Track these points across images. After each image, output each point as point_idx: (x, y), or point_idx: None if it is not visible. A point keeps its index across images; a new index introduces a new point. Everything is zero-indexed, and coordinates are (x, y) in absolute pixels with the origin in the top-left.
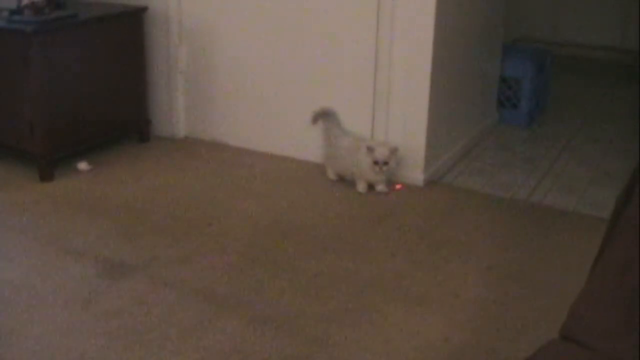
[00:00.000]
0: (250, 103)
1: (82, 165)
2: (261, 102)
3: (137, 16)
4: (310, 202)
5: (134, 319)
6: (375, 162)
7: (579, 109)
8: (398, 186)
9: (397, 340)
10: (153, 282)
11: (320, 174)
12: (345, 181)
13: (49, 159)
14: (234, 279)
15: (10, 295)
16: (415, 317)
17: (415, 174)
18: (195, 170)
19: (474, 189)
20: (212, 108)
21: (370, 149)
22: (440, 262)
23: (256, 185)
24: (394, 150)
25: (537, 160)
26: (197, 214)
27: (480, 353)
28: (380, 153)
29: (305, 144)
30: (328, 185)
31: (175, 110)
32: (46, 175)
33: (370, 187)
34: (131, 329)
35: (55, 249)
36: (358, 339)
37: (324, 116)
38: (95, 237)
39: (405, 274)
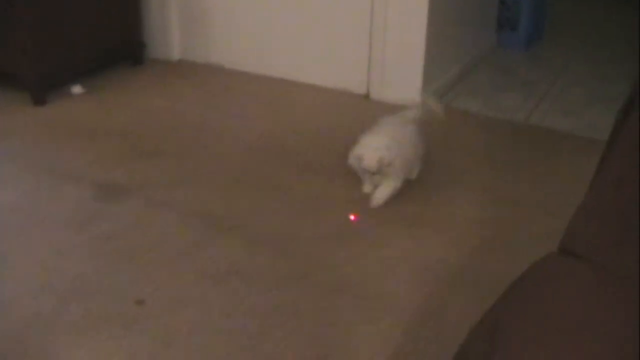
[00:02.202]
0: (246, 25)
1: (76, 89)
2: (258, 23)
3: None
4: (305, 125)
5: (130, 241)
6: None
7: (577, 31)
8: (352, 217)
9: (393, 261)
10: (148, 205)
11: (316, 96)
12: (338, 105)
13: (42, 83)
14: (229, 201)
15: (4, 219)
16: (410, 239)
17: (413, 95)
18: (190, 93)
19: (472, 111)
20: (208, 30)
21: (359, 158)
22: (436, 183)
23: (251, 109)
24: (381, 160)
25: (536, 83)
26: (192, 137)
27: (476, 273)
28: (368, 164)
29: (303, 66)
30: (323, 108)
31: (170, 32)
32: (39, 100)
33: None
34: (127, 251)
35: (49, 173)
36: (354, 259)
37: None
38: (90, 160)
39: (400, 195)
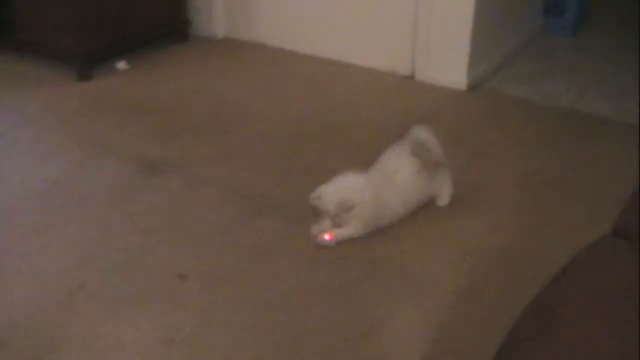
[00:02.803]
0: (291, 3)
1: (121, 65)
2: (303, 1)
3: None
4: (349, 105)
5: (172, 216)
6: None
7: (623, 17)
8: (327, 237)
9: (438, 243)
10: (190, 181)
11: (359, 76)
12: (382, 86)
13: (88, 58)
14: (270, 179)
15: (48, 192)
16: (455, 221)
17: (458, 77)
18: (234, 71)
19: (516, 96)
20: (252, 8)
21: (317, 197)
22: (480, 166)
23: (294, 88)
24: (341, 204)
25: (581, 69)
26: (235, 114)
27: (521, 257)
28: (325, 205)
29: (348, 46)
30: (367, 89)
31: (214, 9)
32: (84, 75)
33: None
34: (168, 226)
35: (93, 147)
36: (396, 241)
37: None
38: (133, 136)
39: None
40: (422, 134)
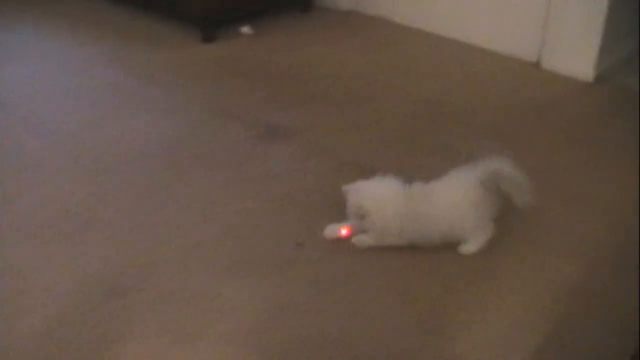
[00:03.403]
0: None
1: (245, 29)
2: None
3: None
4: (469, 88)
5: (288, 184)
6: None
7: None
8: (345, 231)
9: (554, 234)
10: (309, 149)
11: (484, 59)
12: (506, 71)
13: (212, 21)
14: (387, 154)
15: (166, 150)
16: (574, 215)
17: (585, 68)
18: (356, 44)
19: None
20: None
21: (346, 191)
22: (598, 162)
23: (415, 66)
24: (359, 208)
25: None
26: (355, 87)
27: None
28: (348, 205)
29: (473, 28)
30: (490, 73)
31: None
32: (208, 37)
33: None
34: (285, 193)
35: (212, 109)
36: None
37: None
38: (253, 100)
39: (561, 170)
40: (502, 164)
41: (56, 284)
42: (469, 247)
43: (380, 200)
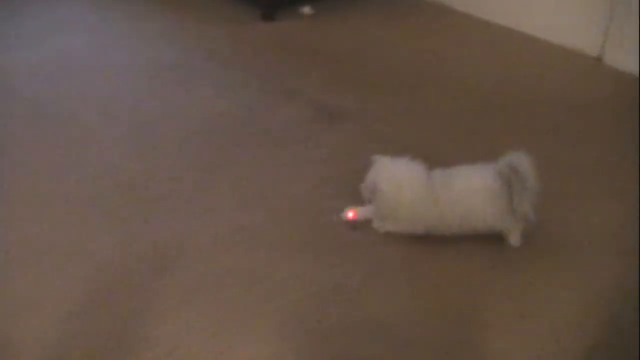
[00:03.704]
0: None
1: (306, 10)
2: None
3: None
4: (523, 81)
5: (340, 167)
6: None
7: None
8: (351, 214)
9: (605, 234)
10: (363, 133)
11: (544, 51)
12: (566, 65)
13: (273, 0)
14: (437, 142)
15: (220, 126)
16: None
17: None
18: (416, 30)
19: None
20: None
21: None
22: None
23: (476, 55)
24: (371, 185)
25: None
26: (412, 74)
27: None
28: (364, 185)
29: (534, 17)
30: (548, 66)
31: None
32: (268, 16)
33: None
34: (336, 177)
35: (270, 87)
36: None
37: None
38: (309, 81)
39: (604, 164)
40: (521, 161)
41: (102, 258)
42: (515, 240)
43: (397, 182)
